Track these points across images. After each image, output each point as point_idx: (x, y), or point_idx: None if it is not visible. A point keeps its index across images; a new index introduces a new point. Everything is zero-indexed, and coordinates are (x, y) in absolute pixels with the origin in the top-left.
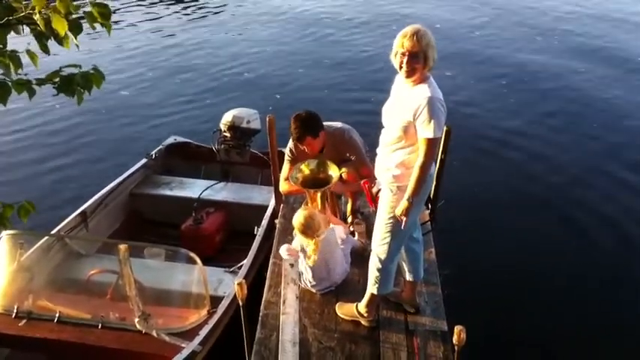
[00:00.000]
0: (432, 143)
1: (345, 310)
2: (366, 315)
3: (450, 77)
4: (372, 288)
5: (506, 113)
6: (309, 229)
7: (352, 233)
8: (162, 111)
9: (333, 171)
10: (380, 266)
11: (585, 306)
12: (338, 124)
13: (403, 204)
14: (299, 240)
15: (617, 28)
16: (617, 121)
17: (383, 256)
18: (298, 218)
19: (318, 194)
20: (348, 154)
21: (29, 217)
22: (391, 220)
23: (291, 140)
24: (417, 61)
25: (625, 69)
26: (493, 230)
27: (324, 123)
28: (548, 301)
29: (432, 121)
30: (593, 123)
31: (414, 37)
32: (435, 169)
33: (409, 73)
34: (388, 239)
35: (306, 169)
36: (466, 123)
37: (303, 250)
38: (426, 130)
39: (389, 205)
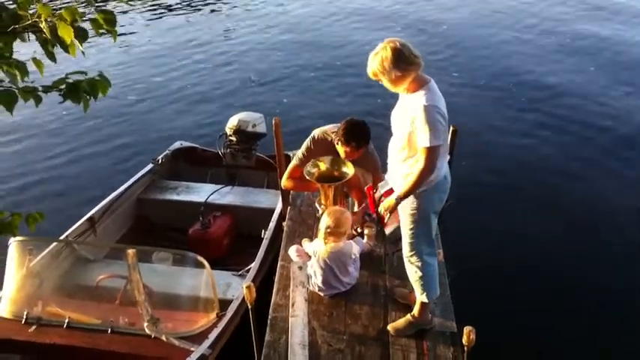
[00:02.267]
0: (429, 152)
1: (399, 324)
2: (422, 322)
3: (456, 77)
4: (421, 297)
5: (516, 112)
6: (340, 228)
7: (361, 235)
8: (168, 116)
9: (348, 168)
10: (421, 274)
11: (596, 305)
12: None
13: (389, 201)
14: (312, 245)
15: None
16: (626, 119)
17: (419, 264)
18: (331, 216)
19: (332, 190)
20: (364, 164)
21: (37, 224)
22: (414, 227)
23: (308, 141)
24: (382, 82)
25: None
26: (501, 230)
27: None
28: (558, 300)
29: (428, 130)
30: (603, 123)
31: (368, 66)
32: (449, 174)
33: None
34: (417, 245)
35: (322, 165)
36: (476, 123)
37: (314, 257)
38: (422, 139)
39: (410, 213)
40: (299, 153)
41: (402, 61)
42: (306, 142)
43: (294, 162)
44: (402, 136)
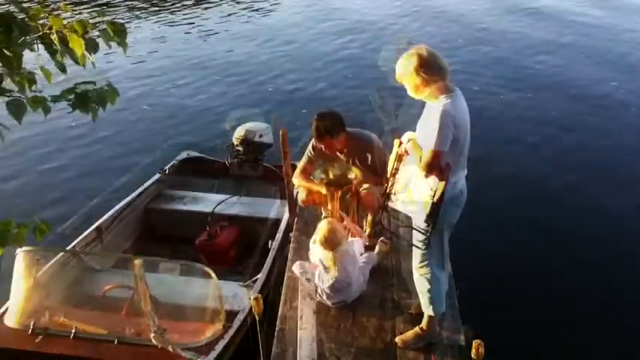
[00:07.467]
0: (432, 155)
1: (407, 337)
2: (431, 335)
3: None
4: (427, 310)
5: (519, 115)
6: (330, 243)
7: (373, 249)
8: (175, 126)
9: (354, 173)
10: (429, 286)
11: (607, 316)
12: (367, 132)
13: None
14: (317, 253)
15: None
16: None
17: (428, 276)
18: (321, 231)
19: (337, 193)
20: (369, 161)
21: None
22: (427, 238)
23: (313, 139)
24: (406, 86)
25: None
26: (511, 243)
27: (354, 129)
28: (569, 313)
29: (437, 134)
30: (610, 128)
31: (396, 69)
32: (465, 189)
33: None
34: (428, 257)
35: (331, 172)
36: (477, 124)
37: (321, 264)
38: (429, 142)
39: (422, 228)
40: (307, 151)
41: (428, 67)
42: (312, 140)
43: (304, 158)
44: (425, 147)
